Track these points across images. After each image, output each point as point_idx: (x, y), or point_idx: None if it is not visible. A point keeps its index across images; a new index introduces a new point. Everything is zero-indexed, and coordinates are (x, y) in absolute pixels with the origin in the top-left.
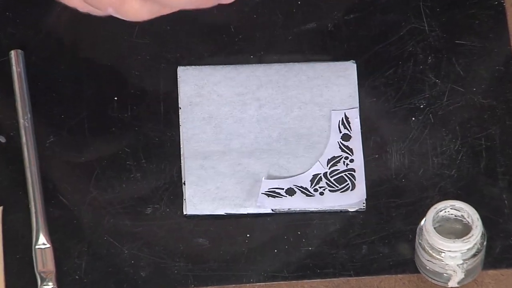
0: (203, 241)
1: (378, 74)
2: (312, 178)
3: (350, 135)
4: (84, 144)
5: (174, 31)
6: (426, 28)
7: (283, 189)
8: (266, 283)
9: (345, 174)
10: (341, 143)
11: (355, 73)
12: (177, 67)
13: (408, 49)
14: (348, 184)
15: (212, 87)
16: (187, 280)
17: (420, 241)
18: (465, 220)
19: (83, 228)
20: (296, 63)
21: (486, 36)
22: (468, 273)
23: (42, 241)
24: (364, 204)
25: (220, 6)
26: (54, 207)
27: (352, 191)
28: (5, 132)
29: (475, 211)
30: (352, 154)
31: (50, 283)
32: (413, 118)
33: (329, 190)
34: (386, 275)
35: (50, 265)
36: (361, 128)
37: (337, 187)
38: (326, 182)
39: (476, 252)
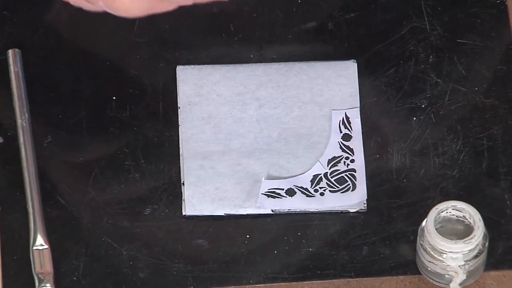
0: (202, 242)
1: (379, 74)
2: (313, 178)
3: (350, 135)
4: (83, 144)
5: (173, 30)
6: (428, 27)
7: (283, 189)
8: (266, 285)
9: (345, 175)
10: (341, 143)
11: (355, 72)
12: (176, 66)
13: (409, 48)
14: (348, 184)
15: (212, 87)
16: (186, 281)
17: (421, 242)
18: (466, 221)
19: (81, 229)
20: (296, 63)
21: (488, 35)
22: (470, 274)
23: (40, 242)
24: (365, 205)
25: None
26: (52, 207)
27: (352, 192)
28: (2, 132)
29: (477, 212)
30: (353, 154)
31: (48, 285)
32: (415, 118)
33: (329, 190)
34: (387, 277)
35: (48, 266)
36: (362, 128)
37: (338, 187)
38: (326, 183)
39: (478, 253)
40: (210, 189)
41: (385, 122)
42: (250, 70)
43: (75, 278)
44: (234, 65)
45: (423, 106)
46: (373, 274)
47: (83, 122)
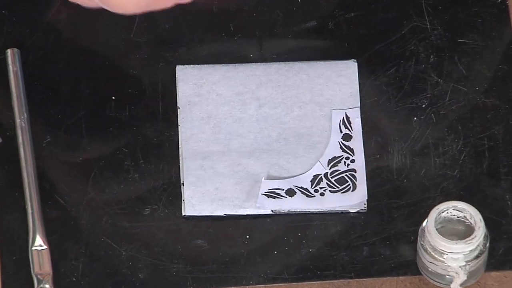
0: (202, 243)
1: (380, 73)
2: (313, 178)
3: (351, 135)
4: (82, 144)
5: (172, 29)
6: (428, 26)
7: (283, 189)
8: (266, 285)
9: (346, 175)
10: (342, 143)
11: (356, 72)
12: (175, 66)
13: (410, 47)
14: (349, 184)
15: (211, 86)
16: (186, 282)
17: (422, 242)
18: (467, 221)
19: (81, 229)
20: (296, 62)
21: (489, 35)
22: (470, 275)
23: (38, 243)
24: (365, 205)
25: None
26: (51, 208)
27: (353, 192)
28: (1, 132)
29: (477, 212)
30: (353, 154)
31: (46, 285)
32: (415, 118)
33: (329, 190)
34: (388, 277)
35: (47, 267)
36: (362, 128)
37: (338, 187)
38: (326, 183)
39: (478, 253)
40: (210, 189)
41: (386, 122)
42: (250, 70)
43: (74, 279)
44: (234, 64)
45: (423, 106)
46: (373, 274)
47: (82, 122)
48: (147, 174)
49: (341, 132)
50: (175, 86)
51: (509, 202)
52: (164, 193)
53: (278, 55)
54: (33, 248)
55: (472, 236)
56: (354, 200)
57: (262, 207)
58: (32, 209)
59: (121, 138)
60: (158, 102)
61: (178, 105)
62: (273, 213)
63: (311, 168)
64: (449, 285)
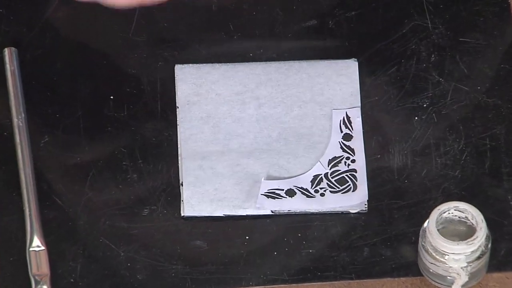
0: (201, 243)
1: (380, 73)
2: (313, 178)
3: (351, 135)
4: (80, 144)
5: (171, 28)
6: (430, 25)
7: (283, 190)
8: (266, 286)
9: (346, 175)
10: (342, 143)
11: (356, 71)
12: (174, 65)
13: (411, 46)
14: (349, 185)
15: (210, 86)
16: (185, 283)
17: (423, 243)
18: (469, 221)
19: (79, 230)
20: (296, 61)
21: (491, 33)
22: (472, 276)
23: (36, 244)
24: (366, 206)
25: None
26: (48, 208)
27: (353, 192)
28: None
29: (479, 213)
30: (354, 154)
31: (44, 286)
32: (416, 118)
33: (330, 191)
34: (389, 278)
35: (45, 268)
36: (362, 128)
37: (338, 188)
38: (327, 183)
39: (480, 254)
40: (209, 189)
41: (386, 121)
42: (250, 69)
43: (72, 280)
44: (233, 64)
45: (425, 105)
46: (374, 275)
47: (80, 122)
48: (146, 174)
49: (342, 132)
50: (174, 85)
51: (511, 203)
52: (163, 194)
53: (278, 54)
54: (31, 249)
55: (473, 237)
56: (355, 200)
57: (262, 207)
58: (29, 209)
59: (119, 138)
60: (157, 102)
61: (177, 105)
62: (273, 213)
63: (311, 168)
64: (451, 286)
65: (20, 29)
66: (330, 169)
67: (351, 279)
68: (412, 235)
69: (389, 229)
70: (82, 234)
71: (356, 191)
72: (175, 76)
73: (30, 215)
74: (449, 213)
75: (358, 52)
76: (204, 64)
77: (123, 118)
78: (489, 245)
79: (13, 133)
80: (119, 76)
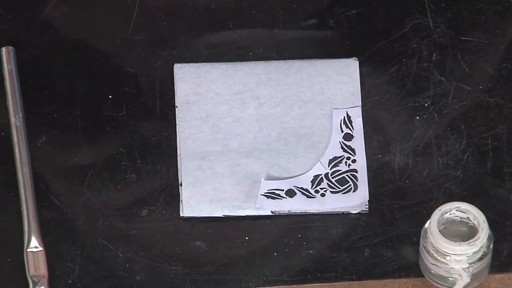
0: (200, 244)
1: (381, 72)
2: (313, 179)
3: (352, 135)
4: (78, 144)
5: (170, 27)
6: (431, 24)
7: (283, 190)
8: None
9: (347, 175)
10: (343, 143)
11: (357, 70)
12: (173, 64)
13: (412, 45)
14: (350, 185)
15: (210, 85)
16: (184, 285)
17: (424, 244)
18: (471, 222)
19: (77, 231)
20: (296, 60)
21: (493, 32)
22: (474, 277)
23: (34, 244)
24: (367, 206)
25: None
26: (46, 209)
27: (354, 193)
28: None
29: (481, 213)
30: (354, 154)
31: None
32: (417, 117)
33: (330, 191)
34: (390, 279)
35: (43, 269)
36: (363, 127)
37: (339, 188)
38: (327, 183)
39: (482, 255)
40: (209, 190)
41: (387, 121)
42: (249, 68)
43: (70, 281)
44: (233, 63)
45: (426, 105)
46: (375, 276)
47: (78, 121)
48: (145, 174)
49: (342, 131)
50: (173, 84)
51: None
52: (161, 194)
53: (277, 53)
54: (29, 250)
55: (475, 238)
56: (355, 201)
57: (262, 208)
58: (27, 210)
59: (118, 137)
60: (156, 101)
61: (176, 104)
62: (272, 214)
63: (312, 168)
64: (452, 287)
65: (18, 28)
66: (330, 169)
67: (352, 280)
68: (413, 236)
69: (390, 229)
70: (80, 234)
71: (357, 191)
72: (174, 75)
73: (27, 215)
74: (450, 214)
75: (358, 51)
76: (203, 63)
77: (121, 117)
78: (491, 246)
79: (11, 133)
80: (118, 76)
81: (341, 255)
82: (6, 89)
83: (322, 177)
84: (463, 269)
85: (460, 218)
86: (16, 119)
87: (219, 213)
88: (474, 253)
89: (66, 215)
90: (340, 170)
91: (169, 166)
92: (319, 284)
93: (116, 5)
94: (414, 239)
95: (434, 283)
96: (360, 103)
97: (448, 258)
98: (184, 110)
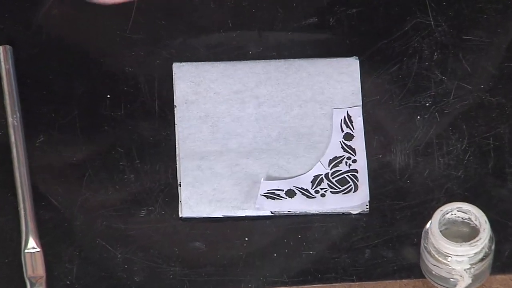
0: (199, 245)
1: (382, 71)
2: (313, 179)
3: (352, 134)
4: (76, 144)
5: (169, 26)
6: (432, 22)
7: (282, 190)
8: None
9: (347, 175)
10: (343, 142)
11: (357, 69)
12: (172, 63)
13: (413, 44)
14: (350, 185)
15: (209, 84)
16: (183, 285)
17: (425, 244)
18: (472, 223)
19: (75, 231)
20: (296, 59)
21: (495, 31)
22: (475, 278)
23: (31, 245)
24: (367, 206)
25: None
26: (44, 209)
27: (354, 193)
28: None
29: (482, 214)
30: (355, 154)
31: None
32: (419, 117)
33: (330, 191)
34: (390, 280)
35: (40, 270)
36: (364, 127)
37: (339, 188)
38: (327, 183)
39: (484, 256)
40: (208, 190)
41: (388, 121)
42: (249, 67)
43: (68, 282)
44: (232, 62)
45: (427, 104)
46: (375, 278)
47: (76, 121)
48: (143, 174)
49: (343, 131)
50: (172, 84)
51: None
52: (160, 194)
53: (277, 52)
54: (26, 251)
55: (477, 238)
56: (356, 201)
57: (261, 208)
58: (24, 210)
59: (116, 137)
60: (154, 101)
61: (175, 104)
62: (272, 214)
63: (312, 168)
64: None
65: (16, 27)
66: (330, 169)
67: (352, 281)
68: (414, 237)
69: (390, 230)
70: (78, 235)
71: (357, 191)
72: (173, 74)
73: (25, 216)
74: (452, 214)
75: (359, 50)
76: (202, 62)
77: (120, 117)
78: (493, 247)
79: (8, 133)
80: (116, 75)
81: (342, 256)
82: (3, 89)
83: (322, 177)
84: (465, 270)
85: (462, 218)
86: (13, 119)
87: (218, 214)
88: (476, 254)
89: (64, 216)
90: (341, 170)
91: (168, 166)
92: (319, 285)
93: (115, 4)
94: (415, 239)
95: (435, 284)
96: (361, 103)
97: (449, 259)
98: (183, 110)
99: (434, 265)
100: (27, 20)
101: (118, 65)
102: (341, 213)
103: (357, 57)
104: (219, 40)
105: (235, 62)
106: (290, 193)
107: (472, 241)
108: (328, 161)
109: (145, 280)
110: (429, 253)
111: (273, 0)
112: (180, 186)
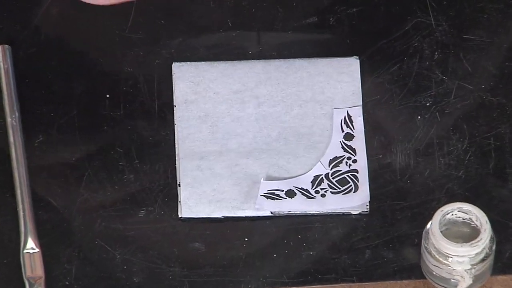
0: (199, 245)
1: (382, 71)
2: (313, 179)
3: (353, 134)
4: (75, 144)
5: (169, 25)
6: (433, 22)
7: (282, 190)
8: None
9: (347, 175)
10: (343, 142)
11: (358, 69)
12: (171, 63)
13: (414, 44)
14: (350, 185)
15: (209, 84)
16: (182, 286)
17: (426, 245)
18: (473, 223)
19: (74, 232)
20: (296, 59)
21: (495, 31)
22: (476, 278)
23: (30, 246)
24: (368, 207)
25: None
26: (43, 210)
27: (355, 193)
28: None
29: (483, 214)
30: (355, 154)
31: None
32: (419, 117)
33: (331, 192)
34: (391, 281)
35: (39, 271)
36: (364, 127)
37: (339, 188)
38: (327, 184)
39: (484, 256)
40: (207, 190)
41: (389, 121)
42: (249, 67)
43: (67, 283)
44: (232, 62)
45: (428, 104)
46: (376, 278)
47: (75, 121)
48: (143, 174)
49: (343, 131)
50: (171, 84)
51: None
52: (160, 194)
53: (277, 52)
54: (25, 251)
55: (477, 239)
56: (356, 201)
57: (261, 208)
58: (23, 211)
59: (115, 137)
60: (154, 101)
61: (174, 104)
62: (272, 215)
63: (312, 168)
64: None
65: (14, 26)
66: (331, 170)
67: (353, 281)
68: (414, 237)
69: (391, 230)
70: (77, 235)
71: (358, 192)
72: (173, 74)
73: (24, 216)
74: (452, 215)
75: (359, 50)
76: (202, 62)
77: (119, 117)
78: (494, 247)
79: (7, 133)
80: (115, 75)
81: (342, 257)
82: (2, 89)
83: (322, 177)
84: (465, 270)
85: (462, 219)
86: (12, 119)
87: (218, 214)
88: (477, 254)
89: (63, 216)
90: (341, 170)
91: (167, 166)
92: (319, 285)
93: (111, 5)
94: (416, 240)
95: (436, 285)
96: (361, 103)
97: (450, 259)
98: (183, 110)
99: (435, 265)
100: (26, 20)
101: (118, 65)
102: (341, 213)
103: (357, 57)
104: (219, 40)
105: (234, 62)
106: (290, 193)
107: (473, 242)
108: (328, 161)
109: (144, 280)
110: (430, 253)
111: (273, 0)
112: (180, 186)
